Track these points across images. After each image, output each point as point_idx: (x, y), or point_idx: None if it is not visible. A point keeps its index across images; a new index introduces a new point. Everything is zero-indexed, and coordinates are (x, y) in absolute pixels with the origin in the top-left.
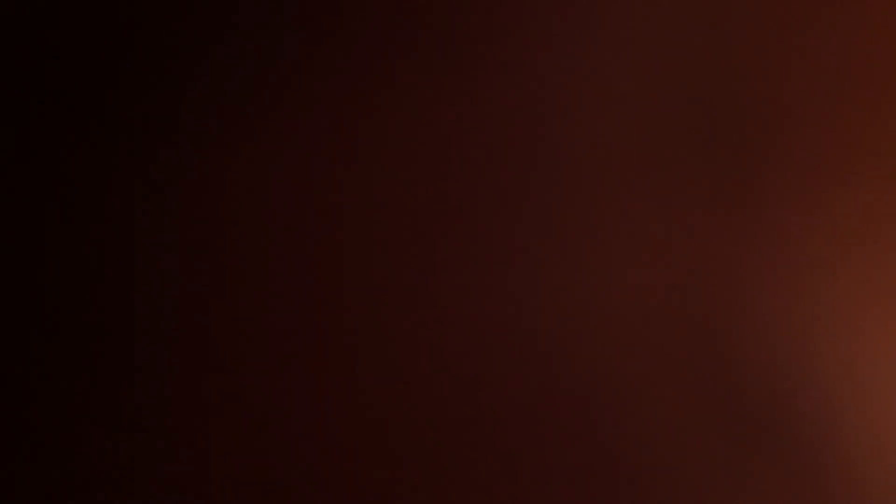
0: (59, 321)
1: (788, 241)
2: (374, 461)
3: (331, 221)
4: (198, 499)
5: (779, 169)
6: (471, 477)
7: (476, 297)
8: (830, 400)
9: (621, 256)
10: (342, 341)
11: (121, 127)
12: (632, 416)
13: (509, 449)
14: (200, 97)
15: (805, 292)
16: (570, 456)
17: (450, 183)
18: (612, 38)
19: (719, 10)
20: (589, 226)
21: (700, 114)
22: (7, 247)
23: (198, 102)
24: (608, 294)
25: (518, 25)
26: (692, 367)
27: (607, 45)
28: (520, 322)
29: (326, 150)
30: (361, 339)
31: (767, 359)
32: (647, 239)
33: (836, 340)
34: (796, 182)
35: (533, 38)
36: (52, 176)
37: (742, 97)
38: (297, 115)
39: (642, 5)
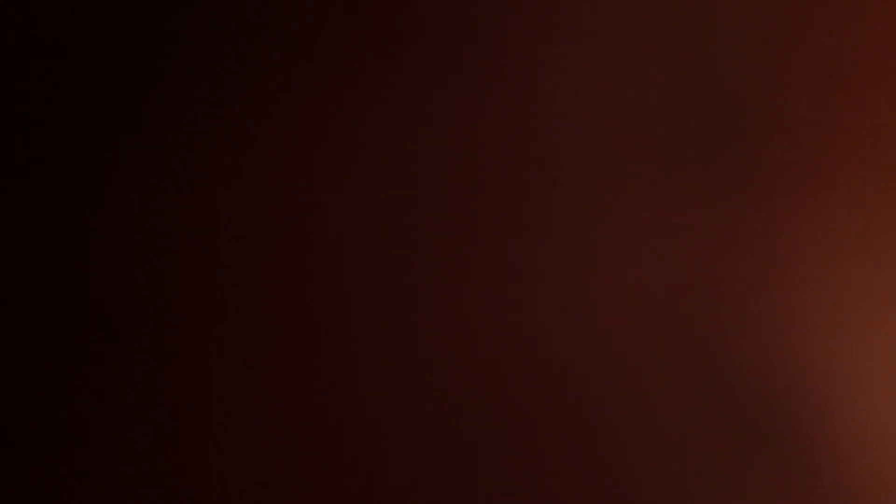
0: (59, 321)
1: (784, 240)
2: (373, 462)
3: (331, 223)
4: (197, 498)
5: (774, 168)
6: (469, 477)
7: (474, 297)
8: (826, 399)
9: (618, 255)
10: (342, 343)
11: (120, 127)
12: (628, 417)
13: (505, 449)
14: (200, 98)
15: (801, 291)
16: (566, 454)
17: (448, 183)
18: (610, 35)
19: (716, 9)
20: (585, 225)
21: (696, 112)
22: (7, 247)
23: (198, 103)
24: (604, 293)
25: (516, 26)
26: (688, 366)
27: (605, 43)
28: (517, 322)
29: (326, 151)
30: (361, 340)
31: (764, 358)
32: (644, 238)
33: (832, 339)
34: (792, 181)
35: (531, 39)
36: (51, 176)
37: (738, 95)
38: (296, 115)
39: (640, 3)
